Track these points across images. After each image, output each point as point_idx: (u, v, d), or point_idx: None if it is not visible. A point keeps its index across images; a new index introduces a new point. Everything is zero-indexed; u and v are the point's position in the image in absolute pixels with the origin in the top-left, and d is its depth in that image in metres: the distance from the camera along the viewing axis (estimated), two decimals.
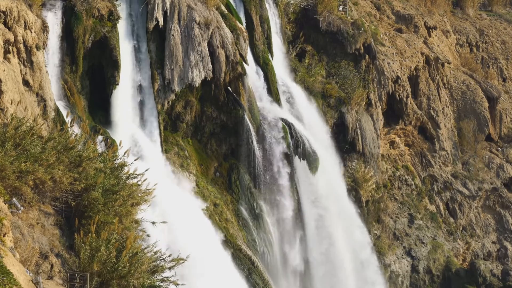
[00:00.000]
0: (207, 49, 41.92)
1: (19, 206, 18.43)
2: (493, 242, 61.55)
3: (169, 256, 20.09)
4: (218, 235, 41.14)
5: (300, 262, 47.04)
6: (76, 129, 27.78)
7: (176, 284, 19.88)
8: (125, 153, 22.81)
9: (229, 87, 43.74)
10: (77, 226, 19.52)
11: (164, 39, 41.36)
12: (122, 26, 39.89)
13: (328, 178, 48.66)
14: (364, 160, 53.28)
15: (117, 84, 39.06)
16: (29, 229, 18.75)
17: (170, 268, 20.02)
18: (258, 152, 44.45)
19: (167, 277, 19.96)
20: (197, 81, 41.64)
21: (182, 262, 20.16)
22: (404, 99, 58.27)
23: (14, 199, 18.40)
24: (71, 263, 18.84)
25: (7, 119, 22.67)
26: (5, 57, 31.00)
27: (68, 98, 37.44)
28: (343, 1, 57.23)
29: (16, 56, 31.97)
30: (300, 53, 54.65)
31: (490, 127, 63.74)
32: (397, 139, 59.46)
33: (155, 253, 19.88)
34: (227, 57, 42.68)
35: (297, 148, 45.99)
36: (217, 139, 44.77)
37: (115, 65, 38.88)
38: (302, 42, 54.85)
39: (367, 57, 55.25)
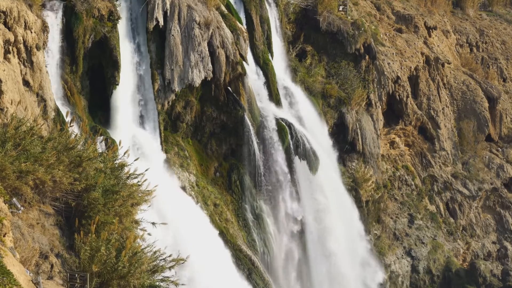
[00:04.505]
0: (207, 49, 41.92)
1: (19, 206, 18.42)
2: (493, 242, 61.55)
3: (169, 256, 20.07)
4: (217, 234, 41.16)
5: (300, 261, 47.04)
6: (76, 129, 27.79)
7: (176, 284, 19.87)
8: (125, 153, 22.79)
9: (229, 87, 43.73)
10: (77, 226, 19.50)
11: (164, 39, 41.36)
12: (122, 26, 39.89)
13: (328, 178, 48.66)
14: (364, 160, 53.30)
15: (117, 84, 39.06)
16: (29, 229, 18.74)
17: (170, 268, 20.01)
18: (258, 152, 44.46)
19: (167, 277, 19.94)
20: (197, 81, 41.64)
21: (182, 262, 20.14)
22: (404, 99, 58.29)
23: (14, 199, 18.39)
24: (71, 263, 18.83)
25: (7, 119, 22.65)
26: (5, 57, 31.00)
27: (68, 98, 37.44)
28: (343, 1, 57.25)
29: (16, 56, 31.97)
30: (300, 53, 54.67)
31: (490, 127, 63.74)
32: (397, 139, 59.46)
33: (155, 253, 19.86)
34: (227, 57, 42.68)
35: (297, 148, 46.00)
36: (217, 139, 44.76)
37: (115, 65, 38.88)
38: (302, 42, 54.88)
39: (367, 57, 55.26)
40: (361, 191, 52.47)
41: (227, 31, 43.27)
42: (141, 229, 21.21)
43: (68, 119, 25.17)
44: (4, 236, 16.25)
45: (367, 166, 53.36)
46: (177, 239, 34.43)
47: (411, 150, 60.48)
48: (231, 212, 43.86)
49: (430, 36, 63.90)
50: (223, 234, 41.84)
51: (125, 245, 18.81)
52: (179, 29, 41.43)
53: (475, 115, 63.50)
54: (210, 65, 41.95)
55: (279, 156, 45.24)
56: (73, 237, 19.31)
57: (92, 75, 39.41)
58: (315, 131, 49.49)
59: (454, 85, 64.41)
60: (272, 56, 49.31)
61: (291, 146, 45.60)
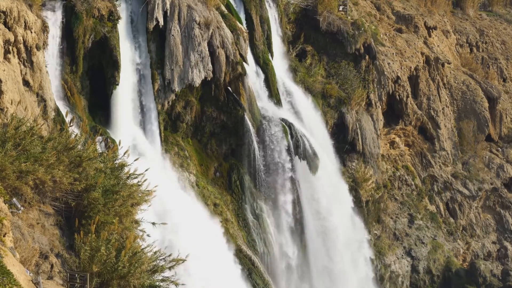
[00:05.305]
0: (207, 49, 41.92)
1: (19, 206, 18.42)
2: (493, 242, 61.55)
3: (169, 256, 20.07)
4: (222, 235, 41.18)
5: (299, 261, 47.02)
6: (76, 129, 27.79)
7: (176, 284, 19.87)
8: (125, 153, 22.78)
9: (229, 87, 43.74)
10: (77, 226, 19.50)
11: (164, 39, 41.36)
12: (122, 26, 39.89)
13: (328, 178, 48.64)
14: (364, 160, 53.29)
15: (117, 84, 39.06)
16: (29, 229, 18.74)
17: (170, 268, 20.01)
18: (258, 152, 44.45)
19: (167, 277, 19.94)
20: (197, 81, 41.64)
21: (182, 262, 20.14)
22: (404, 99, 58.28)
23: (14, 199, 18.38)
24: (71, 263, 18.83)
25: (7, 119, 22.66)
26: (5, 57, 31.00)
27: (68, 98, 37.45)
28: (343, 1, 57.26)
29: (16, 56, 31.97)
30: (300, 53, 54.66)
31: (490, 127, 63.74)
32: (397, 139, 59.46)
33: (155, 253, 19.86)
34: (227, 57, 42.68)
35: (297, 148, 45.99)
36: (217, 139, 44.77)
37: (115, 65, 38.88)
38: (302, 42, 54.88)
39: (367, 57, 55.25)
40: (361, 191, 52.46)
41: (227, 31, 43.28)
42: (141, 230, 21.21)
43: (68, 119, 25.17)
44: (4, 236, 16.25)
45: (367, 166, 53.36)
46: (176, 238, 34.43)
47: (411, 150, 60.48)
48: (231, 212, 43.85)
49: (430, 36, 63.90)
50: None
51: (125, 245, 18.82)
52: (179, 29, 41.43)
53: (475, 115, 63.50)
54: (210, 65, 41.95)
55: (279, 156, 45.21)
56: (73, 237, 19.31)
57: (92, 75, 39.40)
58: (315, 131, 49.48)
59: (454, 85, 64.40)
60: (272, 56, 49.31)
61: (291, 146, 45.60)
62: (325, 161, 48.02)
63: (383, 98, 56.94)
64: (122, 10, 40.18)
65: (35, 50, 32.93)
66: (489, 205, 62.54)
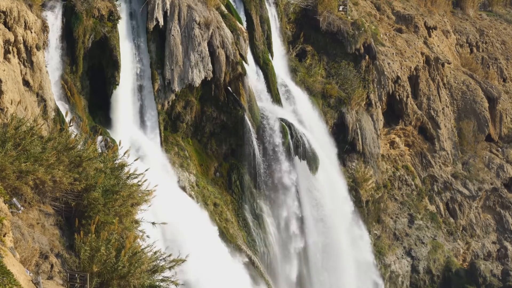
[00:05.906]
0: (207, 49, 41.92)
1: (19, 206, 18.41)
2: (493, 242, 61.54)
3: (169, 256, 20.07)
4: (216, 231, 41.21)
5: (299, 262, 47.02)
6: (76, 129, 27.81)
7: (176, 284, 19.87)
8: (125, 153, 22.78)
9: (229, 87, 43.74)
10: (77, 226, 19.51)
11: (164, 39, 41.37)
12: (122, 26, 39.91)
13: (328, 178, 48.64)
14: (364, 160, 53.29)
15: (117, 84, 39.07)
16: (29, 229, 18.74)
17: (170, 268, 20.01)
18: (258, 152, 44.44)
19: (167, 277, 19.94)
20: (197, 81, 41.64)
21: (182, 262, 20.15)
22: (404, 99, 58.28)
23: (14, 199, 18.38)
24: (71, 263, 18.83)
25: (7, 119, 22.67)
26: (5, 57, 31.01)
27: (68, 98, 37.46)
28: (343, 1, 57.26)
29: (16, 56, 31.97)
30: (300, 53, 54.67)
31: (490, 127, 63.73)
32: (397, 139, 59.45)
33: (155, 253, 19.86)
34: (227, 57, 42.68)
35: (297, 148, 45.99)
36: (217, 139, 44.77)
37: (115, 65, 38.89)
38: (302, 42, 54.88)
39: (367, 57, 55.24)
40: (361, 191, 52.46)
41: (227, 31, 43.28)
42: (141, 230, 21.21)
43: (68, 119, 25.18)
44: (4, 236, 16.25)
45: (367, 166, 53.36)
46: (177, 239, 34.44)
47: (411, 150, 60.47)
48: (231, 212, 43.86)
49: (430, 36, 63.90)
50: (223, 234, 41.85)
51: (125, 245, 18.81)
52: (179, 29, 41.43)
53: (475, 115, 63.49)
54: (210, 65, 41.95)
55: (279, 156, 45.22)
56: (73, 237, 19.31)
57: (92, 75, 39.42)
58: (315, 131, 49.47)
59: (454, 85, 64.40)
60: (272, 56, 49.31)
61: (291, 146, 45.59)
62: (325, 161, 48.01)
63: (383, 98, 56.93)
64: (122, 10, 40.20)
65: (35, 50, 32.93)
66: (489, 205, 62.53)
